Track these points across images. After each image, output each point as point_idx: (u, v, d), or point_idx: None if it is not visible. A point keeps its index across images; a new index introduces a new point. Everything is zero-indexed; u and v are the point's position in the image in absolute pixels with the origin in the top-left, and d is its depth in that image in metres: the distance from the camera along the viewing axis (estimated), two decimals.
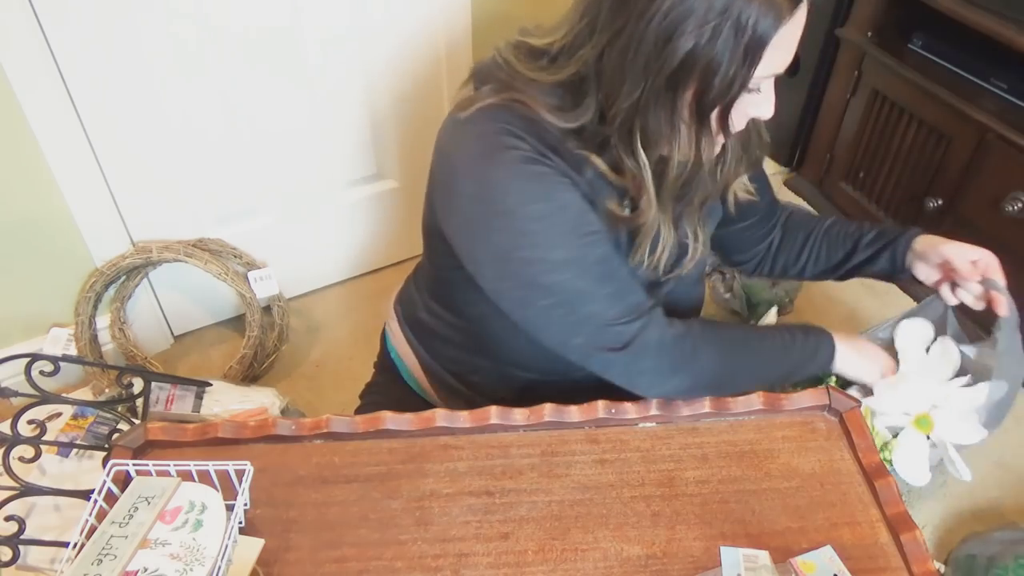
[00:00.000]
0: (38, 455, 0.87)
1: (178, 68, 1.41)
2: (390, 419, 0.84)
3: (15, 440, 0.85)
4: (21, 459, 0.87)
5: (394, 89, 1.67)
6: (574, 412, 0.85)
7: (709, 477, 0.81)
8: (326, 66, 1.56)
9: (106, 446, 1.05)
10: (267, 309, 1.71)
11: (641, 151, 0.73)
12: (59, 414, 1.21)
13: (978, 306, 0.92)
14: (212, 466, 0.73)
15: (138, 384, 1.23)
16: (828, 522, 0.77)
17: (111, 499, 0.72)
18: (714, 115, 0.70)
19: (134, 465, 0.74)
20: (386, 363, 1.13)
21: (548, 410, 0.84)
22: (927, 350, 0.98)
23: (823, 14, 1.92)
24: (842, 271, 1.03)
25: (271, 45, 1.47)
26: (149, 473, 0.74)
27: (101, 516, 0.69)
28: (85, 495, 0.73)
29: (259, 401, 1.43)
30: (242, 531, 0.73)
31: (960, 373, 0.96)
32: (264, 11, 1.42)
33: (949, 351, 0.97)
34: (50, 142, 1.35)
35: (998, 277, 0.90)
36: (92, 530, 0.68)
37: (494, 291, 0.81)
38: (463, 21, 1.65)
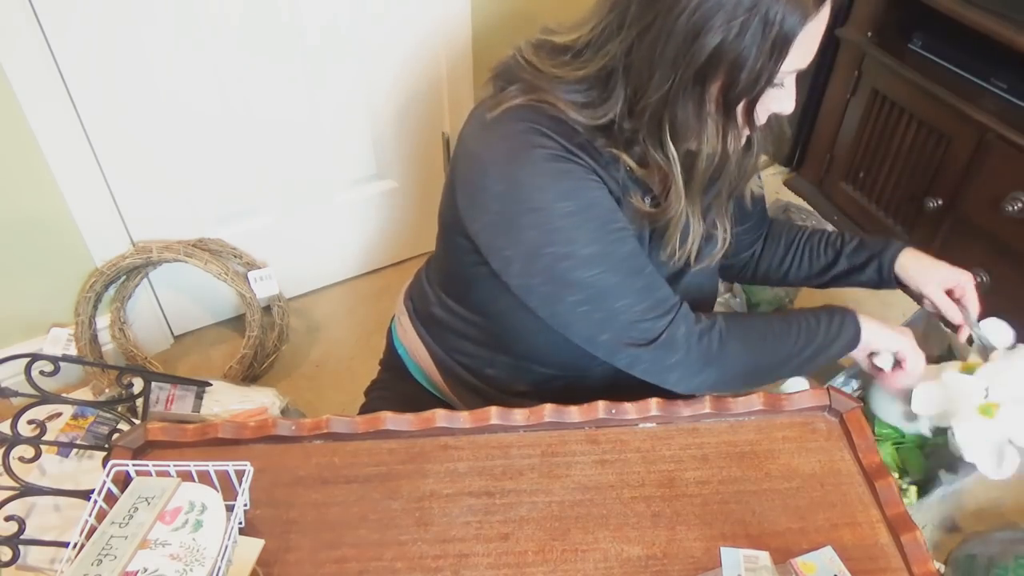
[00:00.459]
0: (38, 455, 0.87)
1: (178, 67, 1.41)
2: (390, 419, 0.84)
3: (15, 440, 0.86)
4: (21, 459, 0.87)
5: (394, 89, 1.67)
6: (574, 412, 0.85)
7: (709, 478, 0.81)
8: (326, 66, 1.56)
9: (106, 446, 1.05)
10: (267, 309, 1.71)
11: (671, 144, 0.74)
12: (59, 414, 1.21)
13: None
14: (212, 466, 0.73)
15: (138, 384, 1.23)
16: (828, 523, 0.76)
17: (111, 499, 0.72)
18: (740, 108, 0.71)
19: (134, 465, 0.74)
20: (392, 360, 1.12)
21: (548, 410, 0.84)
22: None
23: None
24: (825, 278, 1.06)
25: (271, 44, 1.47)
26: (149, 473, 0.74)
27: (101, 516, 0.69)
28: (85, 495, 0.73)
29: (259, 401, 1.43)
30: (242, 531, 0.73)
31: None
32: (264, 8, 1.42)
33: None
34: (50, 142, 1.35)
35: (971, 302, 0.96)
36: (92, 530, 0.68)
37: (522, 287, 0.82)
38: (462, 20, 1.65)
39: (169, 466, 0.73)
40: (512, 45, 0.81)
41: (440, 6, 1.60)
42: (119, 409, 1.23)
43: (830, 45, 1.94)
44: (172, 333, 1.76)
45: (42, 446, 0.88)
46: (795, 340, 0.87)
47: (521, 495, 0.79)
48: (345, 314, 1.85)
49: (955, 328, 0.98)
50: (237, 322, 1.79)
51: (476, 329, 0.97)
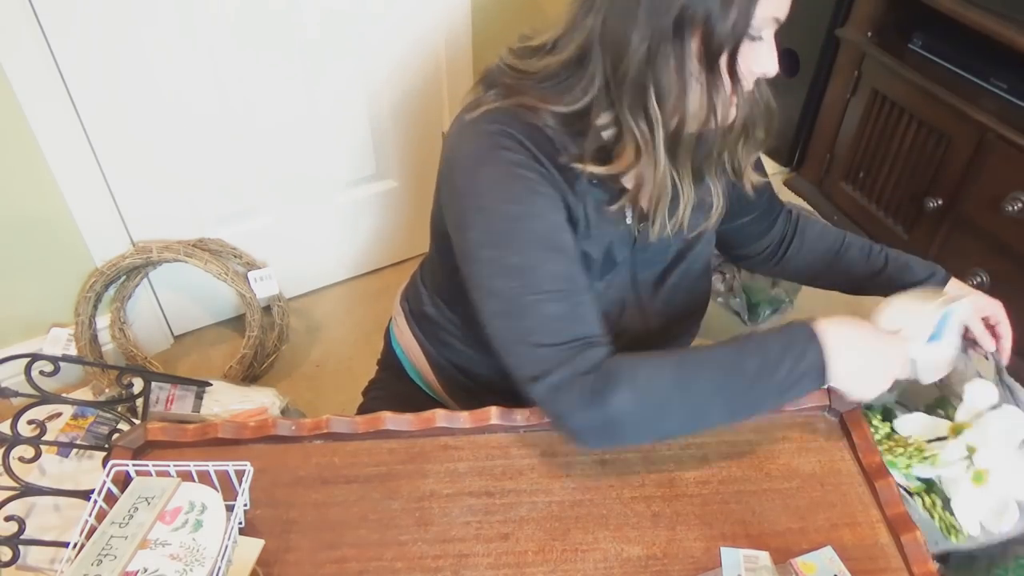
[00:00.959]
0: (38, 455, 0.87)
1: (178, 67, 1.41)
2: (390, 419, 0.84)
3: (15, 440, 0.85)
4: (21, 459, 0.87)
5: (394, 89, 1.67)
6: None
7: (709, 478, 0.81)
8: (326, 65, 1.56)
9: (106, 446, 1.04)
10: (267, 309, 1.71)
11: (655, 107, 0.73)
12: (59, 414, 1.21)
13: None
14: (212, 466, 0.73)
15: (138, 384, 1.23)
16: (828, 523, 0.76)
17: (111, 499, 0.72)
18: (722, 63, 0.70)
19: (134, 465, 0.74)
20: (389, 360, 1.13)
21: None
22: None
23: (823, 14, 1.92)
24: (860, 292, 1.03)
25: (271, 44, 1.47)
26: (149, 473, 0.74)
27: (101, 516, 0.69)
28: (85, 495, 0.73)
29: (259, 401, 1.43)
30: (242, 531, 0.73)
31: None
32: (263, 8, 1.42)
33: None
34: (50, 142, 1.35)
35: (1006, 330, 0.93)
36: (92, 530, 0.68)
37: (468, 289, 0.80)
38: (463, 19, 1.65)
39: (169, 466, 0.73)
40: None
41: (440, 3, 1.60)
42: (119, 409, 1.23)
43: (830, 45, 1.94)
44: (172, 333, 1.76)
45: (42, 446, 0.88)
46: (727, 381, 0.74)
47: (521, 495, 0.79)
48: (345, 314, 1.85)
49: (985, 355, 0.96)
50: (237, 322, 1.79)
51: (466, 329, 0.97)
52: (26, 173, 1.37)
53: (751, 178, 0.89)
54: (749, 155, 0.86)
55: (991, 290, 1.58)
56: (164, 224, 1.58)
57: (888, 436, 0.88)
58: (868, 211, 1.95)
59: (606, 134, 0.78)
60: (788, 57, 2.04)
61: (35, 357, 0.89)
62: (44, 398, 0.90)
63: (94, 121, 1.38)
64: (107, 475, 0.73)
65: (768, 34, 0.73)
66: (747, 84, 0.75)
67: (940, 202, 1.69)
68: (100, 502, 0.71)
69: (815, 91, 2.03)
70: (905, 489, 0.85)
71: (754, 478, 0.81)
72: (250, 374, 1.64)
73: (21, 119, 1.31)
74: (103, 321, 1.60)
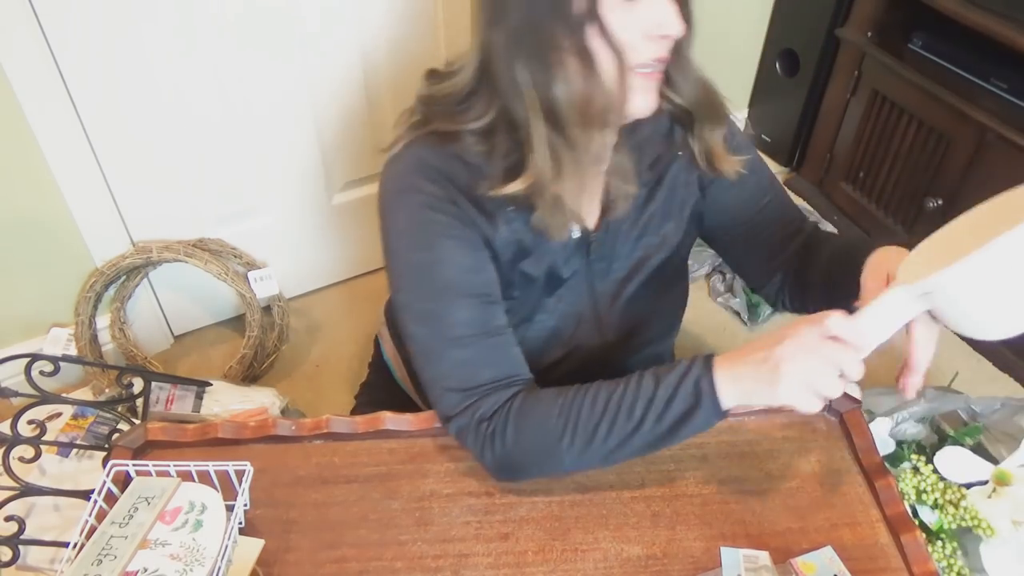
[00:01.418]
0: (38, 455, 0.87)
1: (178, 66, 1.41)
2: (390, 419, 0.84)
3: (15, 440, 0.85)
4: (21, 459, 0.87)
5: (394, 90, 1.67)
6: None
7: (709, 478, 0.81)
8: (326, 64, 1.56)
9: (106, 446, 1.05)
10: (267, 309, 1.71)
11: (534, 94, 0.69)
12: (59, 414, 1.21)
13: None
14: (212, 466, 0.73)
15: (138, 384, 1.23)
16: (828, 522, 0.76)
17: (111, 499, 0.72)
18: (594, 33, 0.66)
19: (134, 465, 0.74)
20: (379, 363, 1.14)
21: None
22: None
23: (823, 14, 1.91)
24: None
25: (271, 43, 1.47)
26: (149, 473, 0.74)
27: (101, 516, 0.69)
28: (85, 495, 0.73)
29: (259, 401, 1.43)
30: (242, 531, 0.73)
31: None
32: (263, 7, 1.42)
33: None
34: (50, 142, 1.35)
35: None
36: (92, 530, 0.68)
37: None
38: (464, 19, 1.65)
39: (169, 466, 0.73)
40: None
41: (442, 1, 1.60)
42: (119, 409, 1.23)
43: (830, 45, 1.94)
44: (172, 333, 1.76)
45: (42, 446, 0.88)
46: (613, 411, 0.72)
47: (521, 495, 0.79)
48: (345, 314, 1.85)
49: None
50: (237, 322, 1.79)
51: None
52: (26, 173, 1.37)
53: (731, 164, 0.83)
54: (709, 135, 0.82)
55: None
56: (164, 224, 1.58)
57: (936, 483, 0.80)
58: (868, 211, 1.95)
59: (511, 147, 0.74)
60: (788, 57, 2.04)
61: (35, 357, 0.89)
62: (44, 398, 0.90)
63: (94, 121, 1.38)
64: (107, 475, 0.73)
65: None
66: (633, 44, 0.68)
67: (940, 202, 1.69)
68: (100, 502, 0.71)
69: (815, 91, 2.03)
70: (925, 525, 0.79)
71: (754, 478, 0.81)
72: (250, 374, 1.64)
73: (21, 119, 1.30)
74: (103, 321, 1.60)
